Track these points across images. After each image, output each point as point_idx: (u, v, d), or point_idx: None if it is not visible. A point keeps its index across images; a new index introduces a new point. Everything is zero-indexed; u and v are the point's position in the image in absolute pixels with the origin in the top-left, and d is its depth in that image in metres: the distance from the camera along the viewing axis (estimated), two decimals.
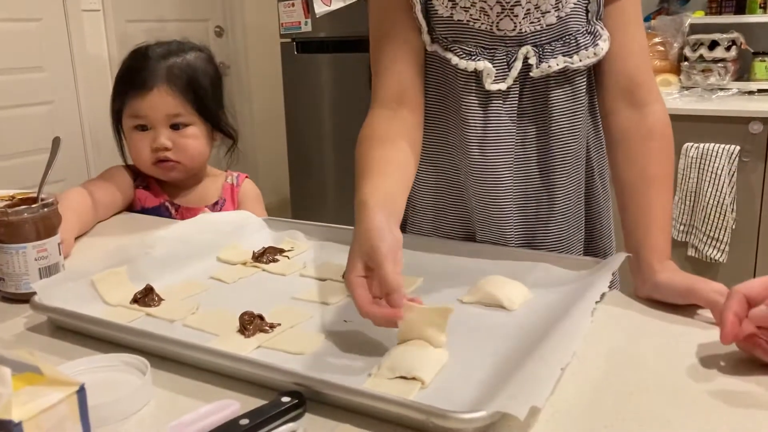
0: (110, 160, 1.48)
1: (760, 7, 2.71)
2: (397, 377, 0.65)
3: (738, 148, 2.31)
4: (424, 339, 0.70)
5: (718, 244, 2.37)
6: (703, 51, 2.68)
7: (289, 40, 3.18)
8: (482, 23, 0.93)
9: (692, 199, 2.41)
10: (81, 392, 0.51)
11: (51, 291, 0.82)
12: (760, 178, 2.32)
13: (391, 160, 0.88)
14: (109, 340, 0.76)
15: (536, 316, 0.80)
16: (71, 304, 0.81)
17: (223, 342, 0.74)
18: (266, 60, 3.93)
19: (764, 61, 2.66)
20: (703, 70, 2.69)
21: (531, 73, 0.93)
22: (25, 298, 0.85)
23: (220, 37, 4.00)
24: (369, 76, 1.00)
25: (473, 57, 0.93)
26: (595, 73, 0.98)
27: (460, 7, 0.93)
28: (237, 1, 4.06)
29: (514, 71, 0.93)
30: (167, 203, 1.39)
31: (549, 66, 0.92)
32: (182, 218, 1.34)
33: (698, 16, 2.82)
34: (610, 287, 0.82)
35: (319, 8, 2.92)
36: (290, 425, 0.60)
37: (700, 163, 2.36)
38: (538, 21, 0.92)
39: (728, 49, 2.65)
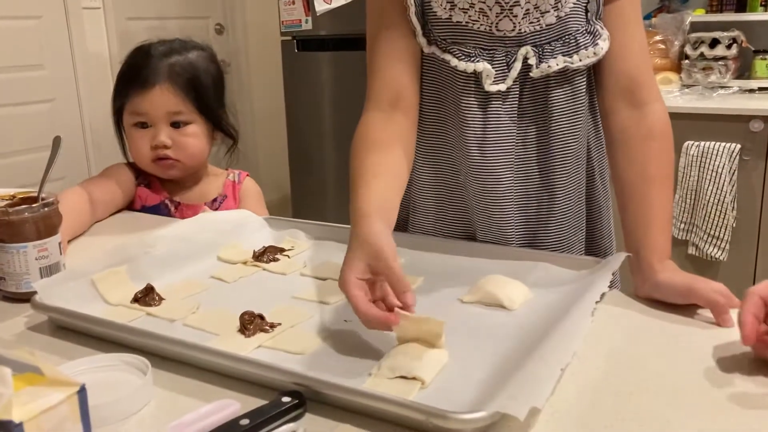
0: (111, 158, 1.48)
1: (761, 5, 2.70)
2: (397, 377, 0.65)
3: (739, 146, 2.30)
4: (421, 343, 0.70)
5: (718, 243, 2.37)
6: (704, 49, 2.68)
7: (289, 37, 3.18)
8: (481, 24, 0.92)
9: (693, 197, 2.41)
10: (82, 393, 0.51)
11: (51, 290, 0.83)
12: (761, 177, 2.31)
13: (387, 166, 0.88)
14: (109, 339, 0.76)
15: (536, 315, 0.80)
16: (72, 303, 0.82)
17: (224, 342, 0.74)
18: (267, 58, 3.92)
19: (765, 59, 2.65)
20: (703, 68, 2.69)
21: (531, 74, 0.93)
22: (25, 298, 0.85)
23: (221, 35, 3.99)
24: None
25: (472, 58, 0.93)
26: (595, 72, 0.98)
27: (459, 8, 0.92)
28: None
29: (514, 72, 0.93)
30: (167, 200, 1.39)
31: (549, 66, 0.92)
32: (182, 216, 1.34)
33: (699, 14, 2.81)
34: (610, 287, 0.82)
35: (320, 6, 2.92)
36: (290, 425, 0.60)
37: (700, 162, 2.36)
38: (538, 21, 0.92)
39: (729, 47, 2.65)
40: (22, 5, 2.93)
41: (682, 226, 2.45)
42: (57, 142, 0.98)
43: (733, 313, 0.78)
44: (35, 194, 0.93)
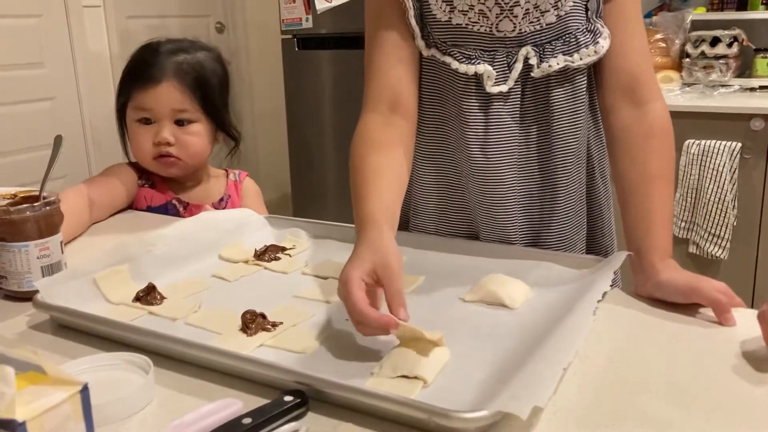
0: (111, 156, 1.48)
1: (762, 4, 2.70)
2: (399, 376, 0.65)
3: (739, 144, 2.30)
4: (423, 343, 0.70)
5: (719, 241, 2.37)
6: (705, 47, 2.67)
7: (290, 36, 3.18)
8: (481, 26, 0.92)
9: (693, 196, 2.41)
10: (84, 392, 0.51)
11: (53, 289, 0.83)
12: (762, 175, 2.31)
13: (389, 168, 0.89)
14: (111, 338, 0.76)
15: (538, 314, 0.80)
16: (73, 302, 0.82)
17: (226, 340, 0.74)
18: (267, 56, 3.92)
19: (766, 57, 2.65)
20: (704, 67, 2.69)
21: (532, 74, 0.93)
22: (27, 297, 0.85)
23: (221, 33, 3.99)
24: None
25: (473, 60, 0.93)
26: (596, 70, 0.98)
27: (458, 10, 0.92)
28: None
29: (515, 72, 0.93)
30: (175, 201, 1.38)
31: (549, 66, 0.92)
32: (191, 216, 1.34)
33: (700, 13, 2.81)
34: (611, 286, 0.82)
35: (320, 5, 2.92)
36: (292, 424, 0.60)
37: (701, 160, 2.36)
38: (538, 20, 0.91)
39: (730, 45, 2.64)
40: (22, 4, 2.93)
41: (683, 224, 2.45)
42: (58, 141, 0.98)
43: (735, 312, 0.78)
44: (37, 193, 0.93)
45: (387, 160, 0.89)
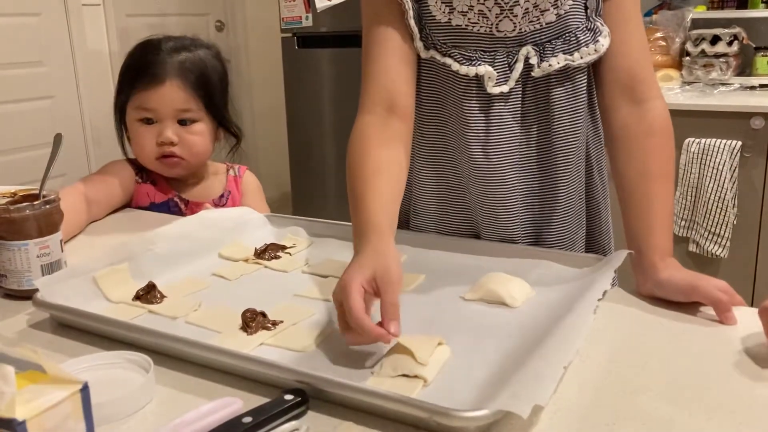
0: (111, 154, 1.47)
1: (763, 2, 2.70)
2: (399, 375, 0.65)
3: (739, 143, 2.30)
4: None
5: (719, 240, 2.37)
6: (705, 46, 2.67)
7: (289, 34, 3.18)
8: (481, 26, 0.92)
9: (693, 194, 2.41)
10: (84, 390, 0.51)
11: (53, 288, 0.82)
12: (762, 174, 2.31)
13: (388, 173, 0.88)
14: (111, 337, 0.76)
15: (538, 313, 0.80)
16: (73, 301, 0.82)
17: (226, 339, 0.74)
18: (267, 55, 3.92)
19: (766, 56, 2.64)
20: (704, 65, 2.68)
21: (532, 73, 0.93)
22: (27, 295, 0.85)
23: (221, 32, 3.99)
24: None
25: (473, 62, 0.92)
26: (595, 69, 0.98)
27: (458, 11, 0.92)
28: None
29: (516, 73, 0.93)
30: (176, 198, 1.38)
31: (550, 65, 0.92)
32: (192, 213, 1.33)
33: (700, 11, 2.81)
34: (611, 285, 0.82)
35: (320, 3, 2.91)
36: (293, 423, 0.60)
37: (701, 159, 2.36)
38: (537, 20, 0.91)
39: (730, 44, 2.64)
40: (21, 2, 2.93)
41: (683, 223, 2.45)
42: (58, 139, 0.98)
43: (736, 311, 0.78)
44: (36, 191, 0.93)
45: (385, 162, 0.89)
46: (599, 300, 0.77)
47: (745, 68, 2.74)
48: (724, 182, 2.32)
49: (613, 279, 0.90)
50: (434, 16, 0.93)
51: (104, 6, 3.30)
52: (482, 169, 0.96)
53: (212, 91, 1.34)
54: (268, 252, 1.01)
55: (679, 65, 2.79)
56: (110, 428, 0.60)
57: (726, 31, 2.65)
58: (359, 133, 0.92)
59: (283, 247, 1.03)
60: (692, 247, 2.44)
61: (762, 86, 2.60)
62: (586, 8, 0.93)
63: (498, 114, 0.94)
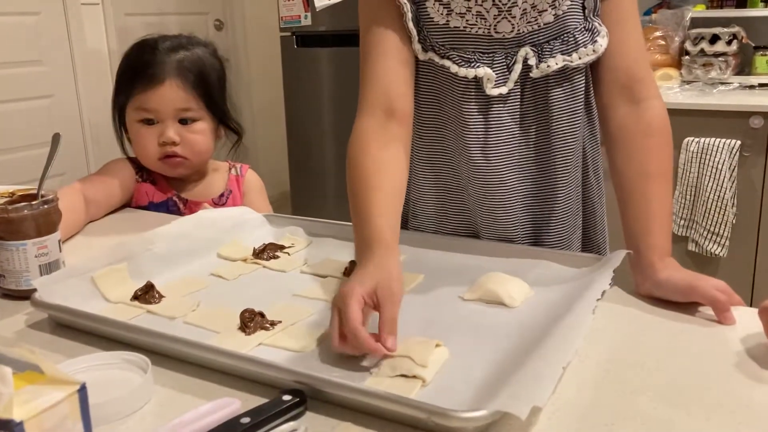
0: (110, 153, 1.47)
1: (762, 1, 2.70)
2: (398, 376, 0.65)
3: (739, 142, 2.30)
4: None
5: (718, 239, 2.37)
6: (704, 45, 2.67)
7: (288, 33, 3.17)
8: (479, 28, 0.92)
9: (693, 193, 2.41)
10: (82, 391, 0.51)
11: (51, 288, 0.82)
12: (761, 173, 2.31)
13: (389, 178, 0.88)
14: (109, 337, 0.76)
15: (537, 313, 0.80)
16: (72, 301, 0.81)
17: (224, 339, 0.74)
18: (266, 54, 3.92)
19: (765, 55, 2.64)
20: (704, 65, 2.68)
21: (531, 74, 0.93)
22: (25, 295, 0.85)
23: (220, 31, 3.98)
24: None
25: (472, 64, 0.92)
26: (593, 69, 0.97)
27: (456, 13, 0.91)
28: None
29: (515, 74, 0.92)
30: (175, 198, 1.38)
31: (548, 66, 0.92)
32: (191, 213, 1.33)
33: (699, 10, 2.81)
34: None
35: (319, 2, 2.91)
36: (291, 423, 0.60)
37: (700, 158, 2.36)
38: (535, 20, 0.91)
39: (729, 43, 2.64)
40: (21, 1, 2.92)
41: (682, 222, 2.45)
42: (56, 139, 0.98)
43: (735, 311, 0.78)
44: (35, 191, 0.93)
45: (385, 164, 0.89)
46: (598, 300, 0.77)
47: (744, 67, 2.74)
48: (723, 181, 2.32)
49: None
50: (432, 17, 0.93)
51: (103, 5, 3.30)
52: (482, 171, 0.96)
53: (211, 89, 1.34)
54: (266, 252, 1.01)
55: (678, 64, 2.79)
56: (108, 429, 0.60)
57: (725, 30, 2.65)
58: (359, 136, 0.92)
59: (282, 247, 1.03)
60: (691, 247, 2.44)
61: (761, 85, 2.60)
62: (584, 8, 0.93)
63: (497, 115, 0.94)
